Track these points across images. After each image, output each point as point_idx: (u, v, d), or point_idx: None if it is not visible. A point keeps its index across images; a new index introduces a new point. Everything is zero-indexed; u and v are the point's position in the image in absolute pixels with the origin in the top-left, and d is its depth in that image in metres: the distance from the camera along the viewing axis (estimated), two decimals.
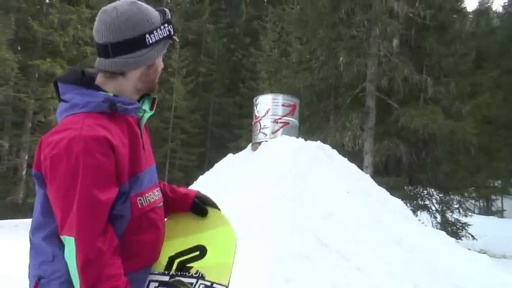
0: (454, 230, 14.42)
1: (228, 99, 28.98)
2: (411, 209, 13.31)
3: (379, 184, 8.19)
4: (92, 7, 19.32)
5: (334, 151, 7.89)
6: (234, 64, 30.21)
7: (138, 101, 1.64)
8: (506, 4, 42.60)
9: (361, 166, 11.56)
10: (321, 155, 7.29)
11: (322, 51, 14.64)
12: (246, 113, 22.96)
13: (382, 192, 7.55)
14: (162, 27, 1.57)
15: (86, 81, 1.55)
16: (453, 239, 7.58)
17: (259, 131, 8.32)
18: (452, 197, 15.58)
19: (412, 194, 15.18)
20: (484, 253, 8.99)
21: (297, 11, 19.55)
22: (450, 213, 15.21)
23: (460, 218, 15.08)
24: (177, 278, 1.73)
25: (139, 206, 1.54)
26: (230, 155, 8.52)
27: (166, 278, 1.72)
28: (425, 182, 15.50)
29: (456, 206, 15.48)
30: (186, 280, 1.74)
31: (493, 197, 31.12)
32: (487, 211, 31.24)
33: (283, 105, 8.36)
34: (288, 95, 9.25)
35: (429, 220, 14.74)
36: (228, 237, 1.90)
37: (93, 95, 1.50)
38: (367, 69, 13.48)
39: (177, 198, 1.88)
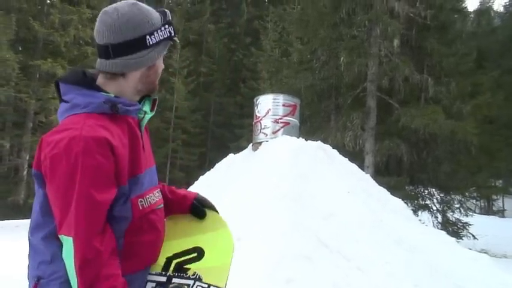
0: (455, 229, 14.42)
1: (229, 99, 29.00)
2: (412, 209, 13.32)
3: (380, 184, 8.19)
4: (92, 7, 19.35)
5: (335, 151, 7.89)
6: (235, 64, 30.23)
7: (139, 102, 1.65)
8: (507, 4, 42.58)
9: (362, 166, 11.56)
10: (321, 155, 7.29)
11: (323, 51, 14.65)
12: (247, 113, 22.96)
13: (383, 192, 7.55)
14: (162, 28, 1.58)
15: (87, 82, 1.55)
16: (454, 239, 7.58)
17: (260, 131, 8.33)
18: (453, 196, 15.57)
19: (413, 193, 15.17)
20: (484, 253, 8.98)
21: (298, 11, 19.57)
22: (451, 213, 15.21)
23: (461, 218, 15.08)
24: (174, 279, 1.73)
25: (140, 208, 1.55)
26: (231, 155, 8.52)
27: (163, 279, 1.72)
28: (426, 181, 15.50)
29: (457, 205, 15.47)
30: (183, 281, 1.74)
31: (494, 196, 31.11)
32: (488, 211, 31.24)
33: (283, 105, 8.36)
34: (289, 95, 9.25)
35: (430, 220, 14.74)
36: (226, 240, 1.90)
37: (94, 95, 1.51)
38: (368, 69, 13.48)
39: (176, 199, 1.88)
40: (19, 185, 18.98)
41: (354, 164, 7.92)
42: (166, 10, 1.63)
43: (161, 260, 1.73)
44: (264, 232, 5.02)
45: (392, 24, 12.84)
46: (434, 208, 15.31)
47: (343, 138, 13.35)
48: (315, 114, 15.57)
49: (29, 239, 1.54)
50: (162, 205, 1.72)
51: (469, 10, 27.22)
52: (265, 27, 26.56)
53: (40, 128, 18.71)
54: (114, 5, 1.57)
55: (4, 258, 6.83)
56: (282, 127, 8.23)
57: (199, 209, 1.90)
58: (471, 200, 18.84)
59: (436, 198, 15.54)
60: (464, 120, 13.19)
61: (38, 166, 1.46)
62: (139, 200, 1.55)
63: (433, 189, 15.68)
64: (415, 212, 13.72)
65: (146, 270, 1.65)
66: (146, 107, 1.67)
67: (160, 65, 1.66)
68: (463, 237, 14.30)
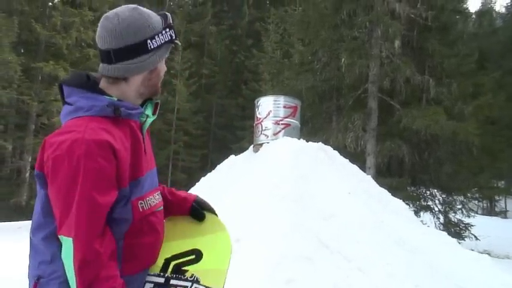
0: (457, 230, 14.40)
1: (230, 101, 29.01)
2: (414, 210, 13.33)
3: (382, 185, 8.19)
4: (94, 10, 19.37)
5: (336, 152, 7.90)
6: (236, 66, 30.25)
7: (141, 105, 1.66)
8: (508, 5, 42.50)
9: (363, 167, 11.55)
10: (322, 156, 7.29)
11: (324, 53, 14.66)
12: (249, 114, 22.94)
13: (384, 193, 7.55)
14: (163, 32, 1.59)
15: (91, 85, 1.57)
16: (455, 240, 7.58)
17: (261, 133, 8.34)
18: (455, 197, 15.56)
19: (414, 194, 15.16)
20: (487, 254, 8.97)
21: (299, 13, 19.60)
22: (453, 214, 15.18)
23: (463, 219, 15.05)
24: (172, 280, 1.74)
25: (141, 210, 1.56)
26: (232, 157, 8.53)
27: (161, 280, 1.73)
28: (428, 182, 15.48)
29: (459, 206, 15.45)
30: (181, 283, 1.75)
31: (497, 197, 31.04)
32: (490, 212, 31.18)
33: (284, 106, 8.37)
34: (290, 96, 9.26)
35: (432, 221, 14.73)
36: (224, 243, 1.91)
37: (97, 99, 1.52)
38: (369, 71, 13.48)
39: (176, 201, 1.89)
40: (21, 186, 19.00)
41: (354, 165, 7.92)
42: (167, 13, 1.64)
43: (160, 261, 1.73)
44: (265, 233, 5.04)
45: (393, 26, 12.85)
46: (436, 209, 15.30)
47: (345, 139, 13.35)
48: (316, 116, 15.57)
49: (30, 239, 1.55)
50: (162, 207, 1.74)
51: (471, 11, 27.23)
52: (267, 28, 26.58)
53: (42, 130, 18.73)
54: (115, 10, 1.58)
55: (6, 259, 6.85)
56: (282, 128, 8.24)
57: (199, 211, 1.91)
58: (473, 201, 18.81)
59: (438, 199, 15.53)
60: (466, 121, 13.18)
61: (40, 167, 1.47)
62: (140, 202, 1.56)
63: (435, 190, 15.66)
64: (417, 213, 13.71)
65: (145, 272, 1.66)
66: (148, 111, 1.68)
67: (163, 68, 1.67)
68: (465, 238, 14.29)
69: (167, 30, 1.60)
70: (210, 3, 29.79)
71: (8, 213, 16.81)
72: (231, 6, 33.27)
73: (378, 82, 13.45)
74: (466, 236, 14.43)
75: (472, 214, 15.89)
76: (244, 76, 28.80)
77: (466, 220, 15.00)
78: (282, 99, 8.57)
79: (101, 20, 1.57)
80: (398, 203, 7.46)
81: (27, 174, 18.95)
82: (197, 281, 1.76)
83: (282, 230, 5.11)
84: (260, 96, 9.82)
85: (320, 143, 7.99)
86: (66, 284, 1.42)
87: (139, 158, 1.57)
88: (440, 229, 12.84)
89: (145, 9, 1.60)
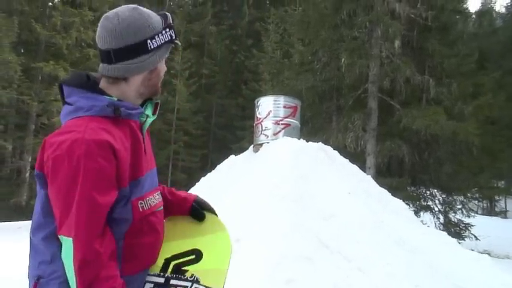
0: (457, 230, 14.41)
1: (230, 101, 29.01)
2: (414, 210, 13.33)
3: (382, 185, 8.19)
4: (94, 10, 19.37)
5: (336, 152, 7.90)
6: (236, 66, 30.25)
7: (141, 105, 1.66)
8: (508, 5, 42.49)
9: (363, 167, 11.55)
10: (322, 156, 7.30)
11: (324, 53, 14.67)
12: (249, 114, 22.94)
13: (384, 193, 7.56)
14: (163, 32, 1.59)
15: (91, 85, 1.57)
16: (455, 240, 7.58)
17: (261, 133, 8.34)
18: (455, 197, 15.56)
19: (414, 194, 15.16)
20: (487, 254, 8.97)
21: (299, 13, 19.61)
22: (453, 214, 15.19)
23: (463, 219, 15.06)
24: (172, 280, 1.75)
25: (141, 210, 1.56)
26: (232, 157, 8.54)
27: (161, 280, 1.73)
28: (428, 182, 15.49)
29: (459, 206, 15.46)
30: (181, 283, 1.75)
31: (497, 197, 31.03)
32: (490, 212, 31.18)
33: (284, 106, 8.37)
34: (290, 96, 9.26)
35: (432, 221, 14.74)
36: (224, 243, 1.92)
37: (97, 99, 1.52)
38: (369, 71, 13.48)
39: (176, 201, 1.90)
40: (21, 186, 19.01)
41: (354, 165, 7.92)
42: (167, 13, 1.65)
43: (160, 261, 1.74)
44: (265, 233, 5.04)
45: (393, 26, 12.85)
46: (436, 209, 15.30)
47: (345, 139, 13.35)
48: (316, 116, 15.57)
49: (30, 239, 1.55)
50: (162, 207, 1.74)
51: (471, 11, 27.22)
52: (267, 28, 26.58)
53: (42, 130, 18.74)
54: (115, 10, 1.58)
55: (6, 259, 6.85)
56: (282, 128, 8.24)
57: (199, 211, 1.91)
58: (473, 201, 18.81)
59: (438, 199, 15.53)
60: (466, 121, 13.18)
61: (40, 167, 1.47)
62: (140, 202, 1.56)
63: (435, 190, 15.67)
64: (417, 213, 13.72)
65: (145, 272, 1.67)
66: (148, 111, 1.68)
67: (163, 68, 1.67)
68: (465, 238, 14.29)
69: (167, 30, 1.60)
70: (210, 3, 29.80)
71: (8, 213, 16.81)
72: (231, 6, 33.28)
73: (378, 82, 13.46)
74: (466, 236, 14.43)
75: (472, 214, 15.89)
76: (244, 76, 28.80)
77: (466, 220, 15.00)
78: (282, 99, 8.57)
79: (101, 20, 1.57)
80: (398, 203, 7.47)
81: (27, 174, 18.96)
82: (197, 281, 1.76)
83: (282, 230, 5.11)
84: (260, 96, 9.82)
85: (320, 143, 7.99)
86: (66, 284, 1.42)
87: (139, 158, 1.58)
88: (440, 229, 12.83)
89: (145, 9, 1.60)
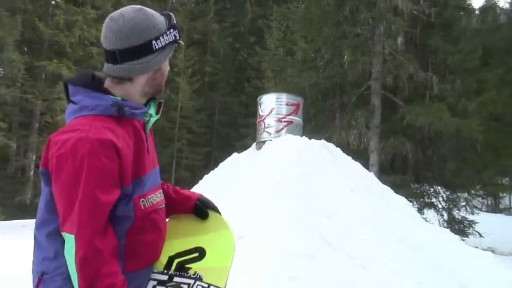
0: (461, 227, 14.38)
1: (233, 99, 28.99)
2: (418, 207, 13.33)
3: (385, 182, 8.18)
4: (97, 8, 19.39)
5: (338, 149, 7.89)
6: (239, 63, 30.22)
7: (145, 104, 1.68)
8: None
9: (366, 164, 11.55)
10: (325, 153, 7.29)
11: (326, 50, 14.63)
12: (252, 112, 22.88)
13: (387, 190, 7.55)
14: (167, 32, 1.61)
15: (96, 85, 1.59)
16: (458, 237, 7.55)
17: (264, 130, 8.34)
18: (459, 194, 15.53)
19: (418, 192, 15.14)
20: (491, 251, 8.94)
21: (302, 10, 19.53)
22: (457, 211, 15.15)
23: (467, 216, 15.02)
24: (175, 278, 1.76)
25: (142, 208, 1.58)
26: (235, 154, 8.55)
27: (165, 277, 1.76)
28: (432, 179, 15.46)
29: (463, 203, 15.42)
30: (184, 280, 1.77)
31: (501, 194, 30.90)
32: (494, 209, 31.08)
33: (287, 104, 8.37)
34: (292, 93, 9.28)
35: (436, 218, 14.70)
36: (227, 241, 1.93)
37: (102, 98, 1.54)
38: (372, 67, 13.45)
39: (180, 199, 1.92)
40: (26, 185, 19.08)
41: (357, 162, 7.92)
42: (170, 13, 1.67)
43: (163, 259, 1.76)
44: (267, 230, 5.05)
45: (396, 22, 12.81)
46: (440, 206, 15.28)
47: (348, 136, 13.34)
48: (319, 113, 15.55)
49: (35, 235, 1.58)
50: (164, 205, 1.75)
51: (474, 7, 27.04)
52: (270, 26, 26.52)
53: (46, 128, 18.78)
54: (120, 11, 1.60)
55: (11, 257, 6.89)
56: (285, 126, 8.24)
57: (202, 209, 1.94)
58: (477, 198, 18.73)
59: (442, 196, 15.51)
60: (470, 118, 13.12)
61: (45, 164, 1.50)
62: (141, 200, 1.58)
63: (439, 187, 15.64)
64: (420, 210, 13.70)
65: (147, 269, 1.69)
66: (152, 110, 1.70)
67: (166, 68, 1.70)
68: (469, 236, 14.26)
69: (171, 30, 1.62)
70: (212, 0, 29.74)
71: (13, 211, 16.91)
72: (233, 3, 33.20)
73: (381, 79, 13.42)
74: (470, 233, 14.40)
75: (476, 211, 15.86)
76: (247, 73, 28.76)
77: (470, 217, 14.97)
78: (284, 97, 8.58)
79: (106, 20, 1.59)
80: (401, 200, 7.46)
81: (32, 173, 19.01)
82: (200, 279, 1.79)
83: (284, 227, 5.12)
84: (263, 93, 9.82)
85: (323, 140, 7.98)
86: (69, 280, 1.45)
87: (142, 157, 1.60)
88: (444, 226, 12.85)
89: (149, 10, 1.62)
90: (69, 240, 1.40)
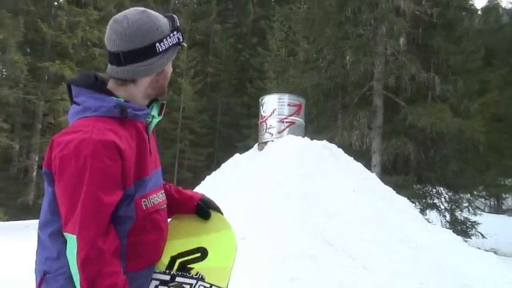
0: (463, 228, 14.35)
1: (236, 99, 29.00)
2: (420, 208, 13.31)
3: (387, 183, 8.19)
4: (99, 9, 19.44)
5: (340, 150, 7.90)
6: (241, 64, 30.22)
7: (148, 105, 1.69)
8: None
9: (369, 165, 11.54)
10: (326, 154, 7.30)
11: (329, 50, 14.62)
12: (254, 112, 22.88)
13: (389, 191, 7.55)
14: (171, 35, 1.62)
15: (99, 86, 1.60)
16: (460, 238, 7.55)
17: (266, 131, 8.35)
18: (461, 195, 15.49)
19: (420, 192, 15.13)
20: (494, 252, 8.93)
21: (304, 10, 19.53)
22: (459, 212, 15.11)
23: (469, 217, 14.98)
24: (177, 278, 1.77)
25: (144, 208, 1.59)
26: (237, 155, 8.56)
27: (167, 277, 1.76)
28: (434, 180, 15.43)
29: (465, 204, 15.39)
30: (186, 280, 1.77)
31: (504, 195, 30.79)
32: (497, 209, 30.99)
33: (289, 104, 8.38)
34: (294, 94, 9.29)
35: (438, 219, 14.67)
36: (229, 241, 1.94)
37: (105, 99, 1.55)
38: (374, 68, 13.44)
39: (182, 200, 1.93)
40: (28, 186, 19.12)
41: (359, 163, 7.92)
42: (174, 16, 1.68)
43: (165, 259, 1.77)
44: (269, 231, 5.05)
45: (398, 23, 12.80)
46: (442, 207, 15.25)
47: (350, 137, 13.33)
48: (321, 114, 15.55)
49: (38, 235, 1.59)
50: (165, 205, 1.76)
51: (477, 7, 27.02)
52: (272, 26, 26.51)
53: (49, 129, 18.82)
54: (124, 13, 1.61)
55: (14, 258, 6.90)
56: (287, 127, 8.25)
57: (205, 210, 1.94)
58: (480, 199, 18.68)
59: (444, 197, 15.48)
60: (472, 119, 13.09)
61: (48, 165, 1.51)
62: (143, 200, 1.59)
63: (441, 188, 15.61)
64: (423, 211, 13.68)
65: (149, 269, 1.69)
66: (154, 111, 1.71)
67: (169, 70, 1.71)
68: (472, 237, 14.22)
69: (175, 33, 1.63)
70: (214, 1, 29.75)
71: (15, 212, 16.95)
72: (235, 4, 33.22)
73: (383, 80, 13.42)
74: (472, 234, 14.37)
75: (479, 212, 15.81)
76: (250, 74, 28.77)
77: (473, 218, 14.93)
78: (286, 97, 8.59)
79: (110, 22, 1.60)
80: (403, 201, 7.46)
81: (34, 174, 19.06)
82: (202, 279, 1.79)
83: (286, 227, 5.12)
84: (265, 94, 9.83)
85: (324, 141, 7.99)
86: (71, 280, 1.46)
87: (144, 158, 1.61)
88: (446, 227, 12.81)
89: (153, 12, 1.63)
90: (71, 241, 1.42)
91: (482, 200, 20.66)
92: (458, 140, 13.43)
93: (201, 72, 27.35)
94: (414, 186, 14.75)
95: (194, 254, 1.84)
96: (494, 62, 20.64)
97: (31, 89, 18.27)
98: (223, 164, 8.59)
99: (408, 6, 13.22)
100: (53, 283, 1.52)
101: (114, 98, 1.57)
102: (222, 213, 2.00)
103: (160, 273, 1.75)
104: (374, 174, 8.53)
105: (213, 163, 23.45)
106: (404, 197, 7.92)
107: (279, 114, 8.31)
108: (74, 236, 1.40)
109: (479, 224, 14.49)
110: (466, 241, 9.57)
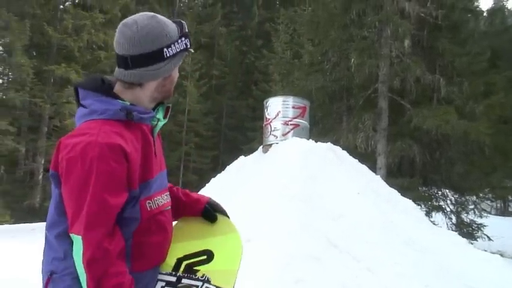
0: (469, 231, 14.27)
1: (241, 102, 29.01)
2: (426, 210, 13.24)
3: (393, 185, 8.17)
4: (105, 12, 19.49)
5: (345, 152, 7.90)
6: (246, 66, 30.23)
7: (153, 108, 1.71)
8: None
9: (374, 167, 11.53)
10: (331, 156, 7.30)
11: (333, 53, 14.63)
12: (259, 115, 22.82)
13: (393, 193, 7.54)
14: (179, 40, 1.64)
15: (105, 89, 1.62)
16: (465, 240, 7.52)
17: (270, 133, 8.37)
18: (467, 197, 15.42)
19: (426, 195, 15.05)
20: (500, 254, 8.87)
21: (309, 13, 19.56)
22: (465, 214, 15.03)
23: (475, 219, 14.89)
24: (183, 279, 1.78)
25: (148, 209, 1.61)
26: (241, 158, 8.57)
27: (173, 279, 1.78)
28: (440, 182, 15.36)
29: (471, 206, 15.30)
30: (192, 282, 1.79)
31: (510, 197, 30.56)
32: (503, 212, 30.80)
33: (293, 107, 8.39)
34: (298, 97, 9.29)
35: (444, 221, 14.61)
36: (235, 244, 1.95)
37: (111, 102, 1.57)
38: (379, 70, 13.43)
39: (189, 202, 1.95)
40: (35, 188, 19.16)
41: (364, 165, 7.91)
42: (182, 22, 1.69)
43: (171, 261, 1.79)
44: (274, 233, 5.06)
45: (403, 25, 12.79)
46: (448, 209, 15.17)
47: (355, 139, 13.31)
48: (326, 116, 15.54)
49: (46, 235, 1.62)
50: (170, 207, 1.78)
51: (482, 9, 26.92)
52: (277, 29, 26.52)
53: (55, 132, 18.87)
54: (133, 17, 1.63)
55: (21, 260, 6.93)
56: (291, 129, 8.26)
57: (211, 212, 1.96)
58: (486, 201, 18.57)
59: (450, 200, 15.41)
60: (477, 121, 13.03)
61: (55, 167, 1.53)
62: (148, 201, 1.61)
63: (447, 191, 15.54)
64: (428, 213, 13.62)
65: (154, 270, 1.71)
66: (159, 114, 1.74)
67: (176, 74, 1.73)
68: (478, 239, 14.14)
69: (183, 39, 1.65)
70: (219, 4, 29.80)
71: (22, 215, 17.00)
72: (240, 7, 33.27)
73: (388, 82, 13.40)
74: (478, 237, 14.29)
75: (485, 214, 15.71)
76: (255, 77, 28.77)
77: (479, 220, 14.83)
78: (290, 100, 8.60)
79: (119, 26, 1.62)
80: (407, 203, 7.44)
81: (40, 177, 19.10)
82: (208, 281, 1.80)
83: (290, 229, 5.13)
84: (270, 96, 9.84)
85: (329, 143, 8.00)
86: (78, 280, 1.48)
87: (149, 160, 1.62)
88: (452, 229, 12.76)
89: (162, 18, 1.65)
90: (77, 242, 1.44)
91: (489, 202, 20.53)
92: (464, 142, 13.37)
93: (206, 74, 27.39)
94: (420, 188, 14.68)
95: (200, 256, 1.85)
96: (499, 63, 20.51)
97: (37, 92, 18.31)
98: (228, 167, 8.60)
99: (413, 9, 13.21)
100: (60, 283, 1.54)
101: (120, 101, 1.59)
102: (228, 217, 2.02)
103: (166, 274, 1.77)
104: (378, 176, 8.52)
105: (218, 165, 23.45)
106: (410, 199, 7.90)
107: (284, 117, 8.32)
108: (80, 237, 1.43)
109: (485, 226, 14.41)
110: (472, 243, 9.54)
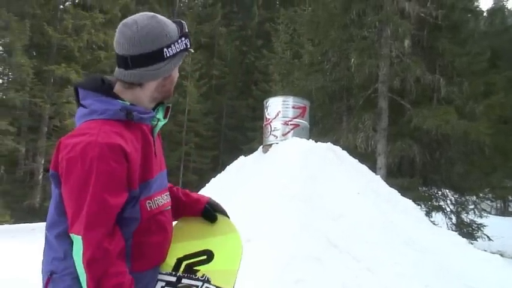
0: (469, 231, 14.27)
1: (241, 102, 29.01)
2: (426, 210, 13.24)
3: (393, 185, 8.17)
4: (105, 12, 19.49)
5: (345, 152, 7.90)
6: (246, 66, 30.24)
7: (153, 108, 1.71)
8: None
9: (374, 167, 11.53)
10: (331, 156, 7.30)
11: (333, 53, 14.63)
12: (259, 115, 22.81)
13: (393, 193, 7.54)
14: (179, 40, 1.64)
15: (105, 89, 1.62)
16: (465, 240, 7.52)
17: (270, 133, 8.37)
18: (467, 197, 15.42)
19: (426, 195, 15.05)
20: (500, 254, 8.87)
21: (309, 13, 19.56)
22: (465, 214, 15.04)
23: (475, 219, 14.89)
24: (183, 279, 1.78)
25: (148, 209, 1.61)
26: (241, 158, 8.57)
27: (173, 279, 1.78)
28: (440, 182, 15.36)
29: (471, 206, 15.31)
30: (192, 282, 1.79)
31: (510, 197, 30.57)
32: (503, 212, 30.80)
33: (293, 107, 8.40)
34: (299, 97, 9.29)
35: (444, 221, 14.61)
36: (235, 244, 1.95)
37: (111, 102, 1.57)
38: (379, 70, 13.43)
39: (190, 202, 1.95)
40: (35, 188, 19.16)
41: (363, 165, 7.91)
42: (182, 22, 1.69)
43: (171, 261, 1.79)
44: (274, 233, 5.06)
45: (403, 25, 12.79)
46: (448, 209, 15.17)
47: (355, 139, 13.31)
48: (326, 116, 15.54)
49: (46, 235, 1.62)
50: (170, 207, 1.78)
51: (482, 9, 26.93)
52: (277, 29, 26.53)
53: (55, 132, 18.86)
54: (133, 17, 1.63)
55: (21, 260, 6.93)
56: (291, 129, 8.26)
57: (211, 213, 1.96)
58: (486, 201, 18.57)
59: (450, 200, 15.41)
60: (477, 121, 13.03)
61: (55, 167, 1.53)
62: (147, 201, 1.61)
63: (447, 191, 15.54)
64: (428, 213, 13.61)
65: (153, 270, 1.71)
66: (159, 114, 1.74)
67: (176, 75, 1.73)
68: (478, 239, 14.14)
69: (183, 39, 1.65)
70: (219, 4, 29.80)
71: (22, 215, 17.00)
72: (240, 7, 33.27)
73: (388, 82, 13.40)
74: (478, 237, 14.29)
75: (485, 214, 15.71)
76: (255, 77, 28.77)
77: (479, 220, 14.83)
78: (290, 100, 8.60)
79: (119, 26, 1.62)
80: (407, 203, 7.44)
81: (40, 177, 19.10)
82: (208, 281, 1.80)
83: (291, 230, 5.13)
84: (270, 96, 9.84)
85: (329, 143, 8.00)
86: (78, 280, 1.48)
87: (149, 161, 1.62)
88: (452, 229, 12.76)
89: (162, 18, 1.65)
90: (77, 242, 1.44)
91: (489, 202, 20.53)
92: (464, 142, 13.37)
93: (206, 74, 27.39)
94: (420, 188, 14.68)
95: (200, 256, 1.85)
96: (499, 63, 20.51)
97: (37, 92, 18.31)
98: (228, 167, 8.60)
99: (413, 9, 13.21)
100: (60, 283, 1.54)
101: (120, 101, 1.59)
102: (228, 217, 2.02)
103: (166, 274, 1.77)
104: (378, 176, 8.52)
105: (218, 166, 23.45)
106: (410, 199, 7.90)
107: (284, 117, 8.32)
108: (80, 237, 1.43)
109: (485, 226, 14.41)
110: (472, 243, 9.54)
